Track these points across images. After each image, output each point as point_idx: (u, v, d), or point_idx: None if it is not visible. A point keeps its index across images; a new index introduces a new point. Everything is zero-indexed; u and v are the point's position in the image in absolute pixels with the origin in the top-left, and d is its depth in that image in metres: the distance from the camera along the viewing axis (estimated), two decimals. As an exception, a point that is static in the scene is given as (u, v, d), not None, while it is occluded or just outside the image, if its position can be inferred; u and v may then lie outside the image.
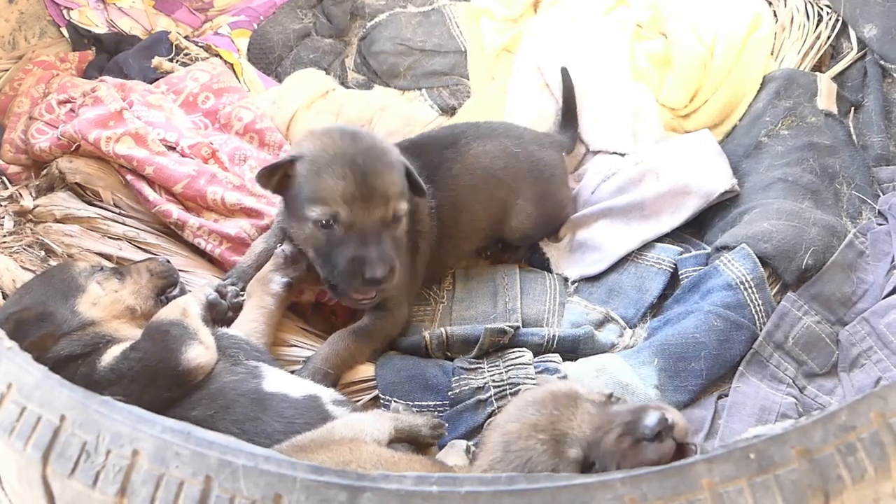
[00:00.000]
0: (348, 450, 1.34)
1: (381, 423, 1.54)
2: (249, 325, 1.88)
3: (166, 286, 1.90)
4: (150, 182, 2.29)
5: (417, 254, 2.05)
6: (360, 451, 1.34)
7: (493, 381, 1.82)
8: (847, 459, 0.99)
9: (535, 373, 1.83)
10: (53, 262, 2.05)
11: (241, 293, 1.97)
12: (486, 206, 2.19)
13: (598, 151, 2.53)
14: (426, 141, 2.22)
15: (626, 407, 1.31)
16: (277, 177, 1.78)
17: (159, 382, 1.52)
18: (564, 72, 2.51)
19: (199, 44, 3.03)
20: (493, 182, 2.19)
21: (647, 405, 1.30)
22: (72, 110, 2.48)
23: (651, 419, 1.23)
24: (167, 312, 1.66)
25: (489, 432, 1.33)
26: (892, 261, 2.04)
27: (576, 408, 1.27)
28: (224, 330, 1.79)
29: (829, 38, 2.70)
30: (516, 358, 1.88)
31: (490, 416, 1.77)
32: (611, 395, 1.35)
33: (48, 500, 1.05)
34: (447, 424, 1.76)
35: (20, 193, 2.31)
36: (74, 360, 1.59)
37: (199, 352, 1.56)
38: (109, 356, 1.57)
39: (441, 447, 1.73)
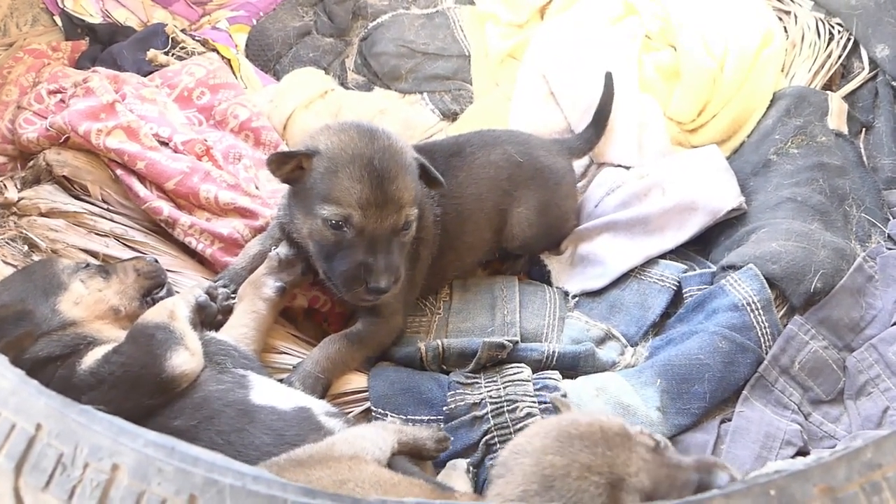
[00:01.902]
0: (347, 468, 1.28)
1: (384, 438, 1.47)
2: (239, 330, 1.82)
3: (153, 287, 1.83)
4: (141, 177, 2.22)
5: (418, 261, 2.00)
6: (360, 471, 1.27)
7: (490, 397, 1.76)
8: (872, 499, 0.95)
9: (534, 390, 1.77)
10: (37, 258, 1.99)
11: (233, 296, 1.92)
12: (489, 216, 2.16)
13: (603, 164, 2.49)
14: (431, 147, 2.18)
15: (684, 460, 1.23)
16: (290, 166, 1.75)
17: (141, 389, 1.45)
18: (608, 76, 2.46)
19: (196, 38, 2.98)
20: (498, 192, 2.15)
21: (708, 460, 1.22)
22: (62, 101, 2.42)
23: (722, 481, 1.17)
24: (153, 314, 1.59)
25: (517, 458, 1.22)
26: (902, 286, 2.00)
27: (631, 451, 1.18)
28: (212, 334, 1.72)
29: (840, 56, 2.67)
30: (514, 374, 1.82)
31: (486, 433, 1.71)
32: (658, 443, 1.26)
33: (19, 513, 0.99)
34: (452, 438, 1.71)
35: (4, 185, 2.24)
36: (53, 362, 1.52)
37: (185, 358, 1.50)
38: (90, 359, 1.50)
39: (437, 465, 1.66)
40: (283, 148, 2.49)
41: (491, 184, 2.13)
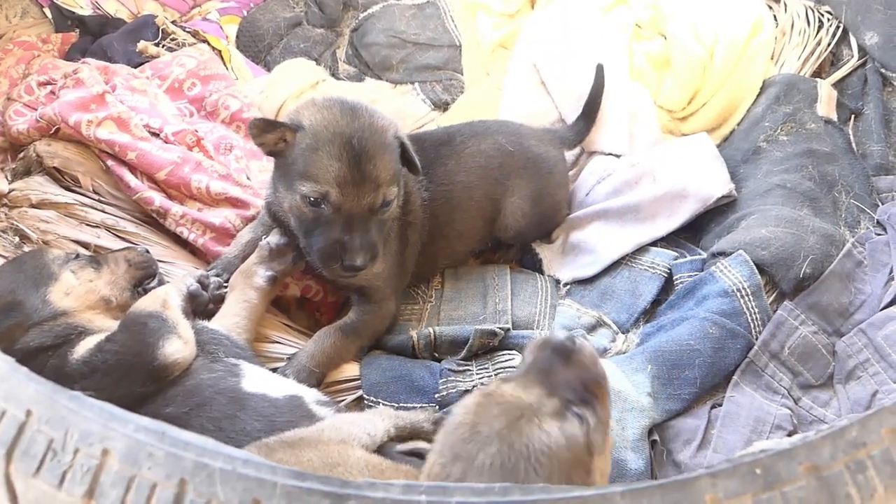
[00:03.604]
0: (337, 452, 1.28)
1: (376, 424, 1.48)
2: (231, 319, 1.82)
3: (144, 277, 1.83)
4: (132, 168, 2.22)
5: (407, 246, 2.01)
6: (349, 455, 1.28)
7: (482, 384, 1.77)
8: (857, 477, 0.96)
9: (526, 376, 1.78)
10: (28, 249, 1.98)
11: (225, 285, 1.92)
12: (480, 205, 2.15)
13: (594, 152, 2.49)
14: (422, 137, 2.17)
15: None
16: (273, 136, 1.75)
17: (134, 377, 1.45)
18: (600, 68, 2.46)
19: (187, 29, 2.97)
20: (489, 182, 2.15)
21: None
22: (52, 92, 2.41)
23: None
24: (146, 303, 1.60)
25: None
26: (891, 272, 2.01)
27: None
28: (204, 323, 1.72)
29: (829, 44, 2.67)
30: (506, 361, 1.83)
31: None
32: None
33: (10, 499, 0.99)
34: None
35: (-5, 176, 2.23)
36: (45, 352, 1.52)
37: (178, 346, 1.50)
38: (82, 348, 1.50)
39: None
40: None
41: (481, 172, 2.13)
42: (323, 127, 1.71)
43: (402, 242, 1.99)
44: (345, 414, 1.52)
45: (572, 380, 1.18)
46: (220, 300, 1.87)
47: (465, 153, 2.13)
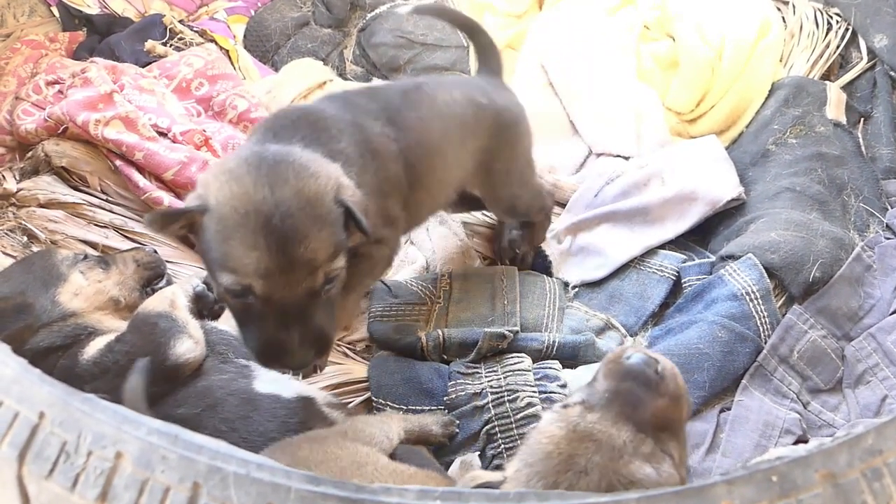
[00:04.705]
0: (365, 453, 1.28)
1: (390, 427, 1.47)
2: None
3: (153, 277, 1.83)
4: (140, 168, 2.22)
5: (388, 198, 1.74)
6: (378, 458, 1.28)
7: (491, 386, 1.76)
8: (873, 485, 0.95)
9: (535, 380, 1.78)
10: (36, 248, 1.98)
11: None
12: (457, 153, 1.94)
13: (602, 154, 2.48)
14: (383, 86, 1.96)
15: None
16: (177, 226, 1.37)
17: (145, 378, 1.45)
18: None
19: (194, 28, 2.97)
20: (465, 129, 1.94)
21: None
22: (60, 91, 2.41)
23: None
24: (154, 303, 1.59)
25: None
26: (900, 276, 2.01)
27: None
28: (212, 324, 1.72)
29: (838, 46, 2.66)
30: (515, 364, 1.82)
31: (487, 423, 1.71)
32: None
33: (23, 501, 0.99)
34: (458, 422, 1.72)
35: (3, 176, 2.23)
36: (54, 352, 1.52)
37: (189, 346, 1.50)
38: (93, 349, 1.50)
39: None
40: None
41: (458, 120, 1.92)
42: (231, 207, 1.31)
43: (381, 195, 1.70)
44: (362, 416, 1.51)
45: (660, 415, 1.15)
46: (225, 301, 1.87)
47: (438, 101, 1.89)
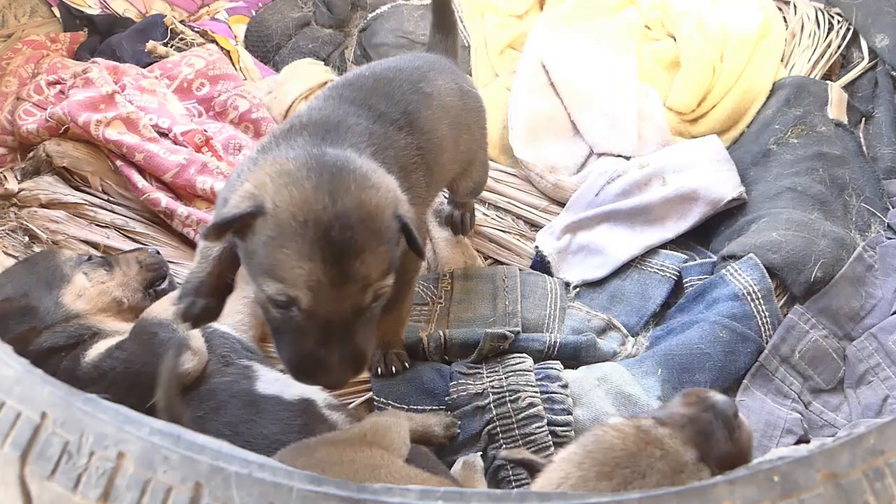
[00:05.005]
0: (380, 455, 1.28)
1: (406, 431, 1.46)
2: (234, 317, 1.80)
3: (155, 279, 1.83)
4: (140, 169, 2.22)
5: (415, 208, 1.60)
6: (393, 462, 1.28)
7: (493, 387, 1.76)
8: (875, 485, 0.95)
9: (536, 380, 1.78)
10: (38, 249, 1.99)
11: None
12: (456, 144, 1.89)
13: (603, 153, 2.48)
14: (394, 78, 1.77)
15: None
16: (231, 231, 1.31)
17: (144, 386, 1.43)
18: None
19: (196, 29, 2.97)
20: (459, 119, 1.90)
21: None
22: (61, 92, 2.41)
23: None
24: (156, 311, 1.58)
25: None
26: (902, 276, 2.01)
27: None
28: (215, 326, 1.71)
29: (839, 46, 2.67)
30: (516, 364, 1.82)
31: (488, 423, 1.71)
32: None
33: (25, 502, 0.99)
34: (460, 422, 1.72)
35: (5, 176, 2.23)
36: (57, 353, 1.52)
37: (187, 357, 1.48)
38: (94, 352, 1.50)
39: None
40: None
41: (455, 112, 1.87)
42: (290, 214, 1.23)
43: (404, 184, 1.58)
44: (382, 419, 1.48)
45: (725, 457, 1.17)
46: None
47: (442, 91, 1.83)
